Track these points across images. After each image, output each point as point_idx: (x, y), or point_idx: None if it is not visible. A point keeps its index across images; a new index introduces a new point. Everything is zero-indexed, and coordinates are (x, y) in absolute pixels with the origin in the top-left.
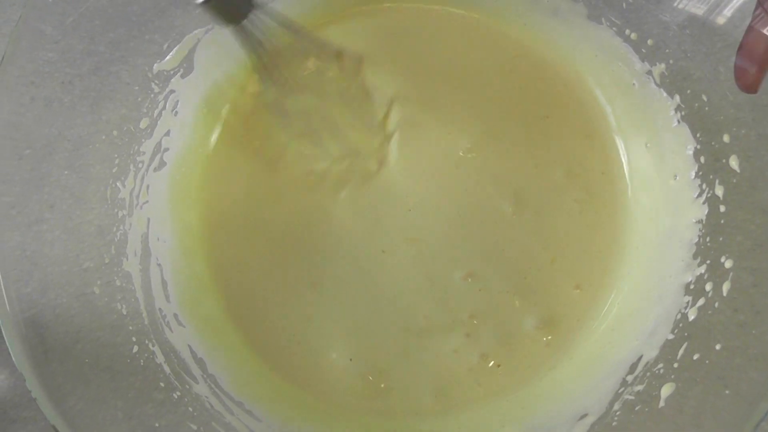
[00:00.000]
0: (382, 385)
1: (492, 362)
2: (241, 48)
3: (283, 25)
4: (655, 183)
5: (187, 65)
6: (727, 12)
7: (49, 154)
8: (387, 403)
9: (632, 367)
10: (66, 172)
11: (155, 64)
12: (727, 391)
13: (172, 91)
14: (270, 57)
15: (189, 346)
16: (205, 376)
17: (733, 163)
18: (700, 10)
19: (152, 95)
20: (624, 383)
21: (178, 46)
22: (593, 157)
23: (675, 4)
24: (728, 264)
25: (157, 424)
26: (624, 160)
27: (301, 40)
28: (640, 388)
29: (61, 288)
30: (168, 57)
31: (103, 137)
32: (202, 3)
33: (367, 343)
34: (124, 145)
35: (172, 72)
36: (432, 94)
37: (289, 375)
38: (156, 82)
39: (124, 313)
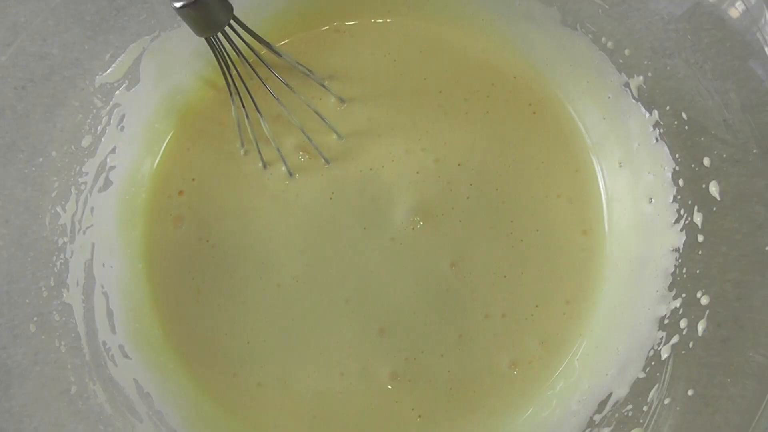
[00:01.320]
0: (327, 423)
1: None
2: (213, 56)
3: (257, 39)
4: (629, 205)
5: (132, 77)
6: (728, 14)
7: (3, 165)
8: None
9: (600, 406)
10: (21, 185)
11: (97, 77)
12: None
13: (117, 105)
14: (237, 70)
15: (135, 380)
16: (150, 413)
17: (713, 189)
18: (683, 18)
19: (95, 110)
20: (591, 423)
21: (121, 56)
22: (564, 175)
23: (655, 10)
24: (704, 300)
25: None
26: (597, 178)
27: (272, 55)
28: (606, 430)
29: (18, 308)
30: (111, 69)
31: (53, 152)
32: (181, 7)
33: (305, 376)
34: (64, 166)
35: (116, 84)
36: (396, 110)
37: (231, 407)
38: (98, 96)
39: (63, 351)
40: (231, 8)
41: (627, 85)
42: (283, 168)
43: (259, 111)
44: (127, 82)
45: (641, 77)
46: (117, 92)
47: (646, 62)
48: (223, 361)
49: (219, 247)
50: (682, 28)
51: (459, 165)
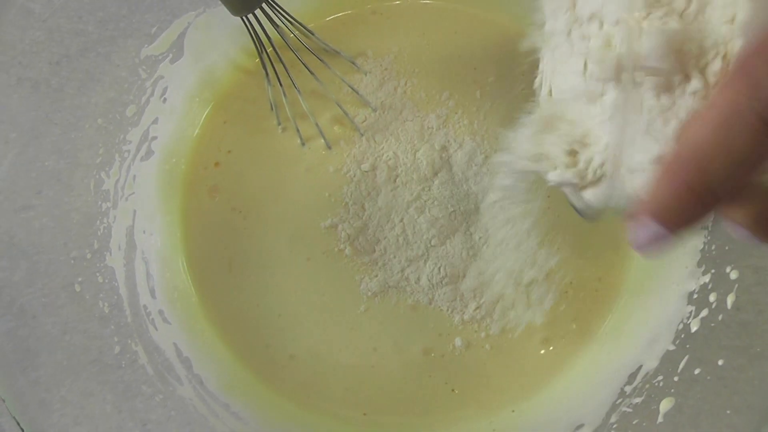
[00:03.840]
0: (360, 395)
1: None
2: (249, 36)
3: (288, 20)
4: None
5: (176, 50)
6: None
7: (36, 138)
8: (365, 413)
9: (631, 378)
10: (54, 157)
11: (143, 49)
12: (728, 411)
13: (161, 77)
14: (274, 48)
15: (174, 344)
16: (190, 376)
17: None
18: None
19: (139, 81)
20: (622, 394)
21: (167, 30)
22: None
23: None
24: (734, 275)
25: (146, 421)
26: None
27: (304, 36)
28: (638, 400)
29: (48, 278)
30: (156, 41)
31: (88, 125)
32: None
33: (337, 350)
34: (109, 133)
35: (160, 57)
36: (430, 84)
37: (264, 376)
38: (143, 67)
39: (106, 312)
40: None
41: None
42: (322, 140)
43: (297, 88)
44: (171, 55)
45: None
46: (161, 65)
47: None
48: (256, 332)
49: (250, 219)
50: None
51: (496, 139)
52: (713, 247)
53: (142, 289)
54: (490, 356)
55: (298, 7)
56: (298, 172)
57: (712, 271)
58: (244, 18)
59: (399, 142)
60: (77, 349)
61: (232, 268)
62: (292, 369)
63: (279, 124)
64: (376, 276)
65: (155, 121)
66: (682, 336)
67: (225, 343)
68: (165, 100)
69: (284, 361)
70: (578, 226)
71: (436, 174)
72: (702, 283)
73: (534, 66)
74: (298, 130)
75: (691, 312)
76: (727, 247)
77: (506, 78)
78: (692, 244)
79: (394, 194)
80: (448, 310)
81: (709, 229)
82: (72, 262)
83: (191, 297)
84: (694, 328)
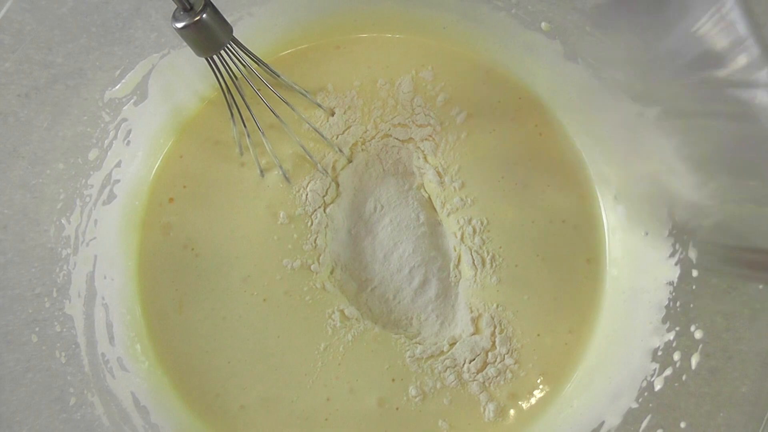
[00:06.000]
0: None
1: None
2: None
3: (254, 61)
4: (624, 237)
5: (140, 92)
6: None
7: (3, 171)
8: None
9: None
10: (20, 192)
11: (106, 92)
12: None
13: (124, 120)
14: (237, 87)
15: (132, 393)
16: (147, 426)
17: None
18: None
19: (102, 125)
20: None
21: (131, 72)
22: (569, 200)
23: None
24: (698, 335)
25: None
26: (600, 207)
27: (268, 76)
28: None
29: (12, 314)
30: (120, 85)
31: (55, 160)
32: (181, 28)
33: (290, 401)
34: (71, 178)
35: (124, 99)
36: (396, 130)
37: (216, 427)
38: (107, 111)
39: (63, 362)
40: (231, 29)
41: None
42: (279, 172)
43: (260, 129)
44: (135, 97)
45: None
46: (125, 107)
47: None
48: (206, 381)
49: (203, 256)
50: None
51: (463, 184)
52: (678, 304)
53: (101, 337)
54: (450, 411)
55: (261, 39)
56: (258, 209)
57: (677, 328)
58: (208, 58)
59: (363, 181)
60: (40, 387)
61: (183, 310)
62: (243, 420)
63: (241, 154)
64: (352, 305)
65: (118, 165)
66: (646, 394)
67: (178, 392)
68: (128, 142)
69: (234, 412)
70: (549, 274)
71: (419, 223)
72: (666, 340)
73: (502, 106)
74: (258, 162)
75: (655, 370)
76: (692, 305)
77: (475, 116)
78: (658, 299)
79: (373, 237)
80: (408, 350)
81: (675, 285)
82: (36, 298)
83: (146, 342)
84: (657, 387)
